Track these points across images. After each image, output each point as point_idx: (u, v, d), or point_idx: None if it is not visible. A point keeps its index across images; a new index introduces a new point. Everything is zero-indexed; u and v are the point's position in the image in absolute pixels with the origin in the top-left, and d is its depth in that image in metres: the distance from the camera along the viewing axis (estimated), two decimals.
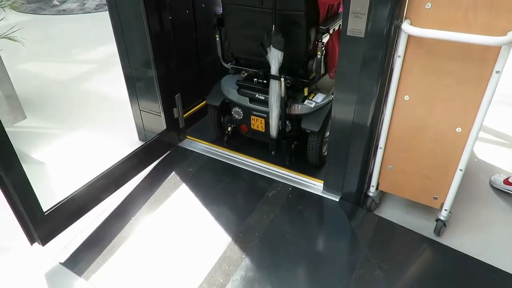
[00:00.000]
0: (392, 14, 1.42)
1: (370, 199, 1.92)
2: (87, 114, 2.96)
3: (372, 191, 1.90)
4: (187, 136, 2.46)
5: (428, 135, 1.65)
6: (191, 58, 2.50)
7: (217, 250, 1.73)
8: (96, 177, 1.95)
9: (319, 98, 2.02)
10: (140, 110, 2.48)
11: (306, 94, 2.02)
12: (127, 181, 2.14)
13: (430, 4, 1.40)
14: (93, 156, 2.44)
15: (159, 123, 2.40)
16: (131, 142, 2.54)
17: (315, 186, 2.04)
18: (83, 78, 3.65)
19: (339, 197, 1.97)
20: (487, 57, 1.39)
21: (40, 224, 1.69)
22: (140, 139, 2.61)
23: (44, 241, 1.73)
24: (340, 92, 1.70)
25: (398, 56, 1.53)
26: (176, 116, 2.36)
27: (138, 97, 2.42)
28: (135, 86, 2.39)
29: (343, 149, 1.83)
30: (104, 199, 2.00)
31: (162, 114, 2.34)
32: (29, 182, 1.59)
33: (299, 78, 1.98)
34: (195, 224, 1.87)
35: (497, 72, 1.38)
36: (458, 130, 1.57)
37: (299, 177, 2.10)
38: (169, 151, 2.37)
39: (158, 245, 1.77)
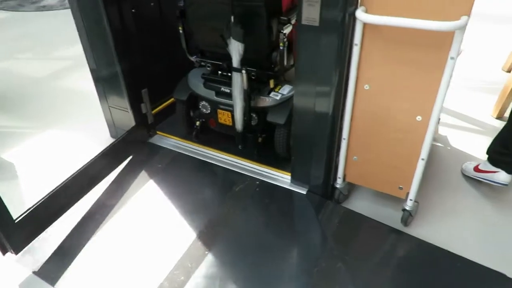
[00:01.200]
0: (345, 1, 1.38)
1: (338, 191, 1.90)
2: (61, 111, 2.91)
3: (339, 182, 1.87)
4: (158, 132, 2.42)
5: (390, 124, 1.62)
6: (159, 52, 2.45)
7: (180, 247, 1.70)
8: (67, 179, 1.92)
9: (286, 90, 1.98)
10: (109, 106, 2.44)
11: (272, 86, 1.98)
12: (99, 182, 2.10)
13: None
14: (64, 155, 2.40)
15: (128, 120, 2.36)
16: (102, 140, 2.49)
17: (283, 179, 2.01)
18: (60, 75, 3.59)
19: (307, 189, 1.94)
20: (443, 43, 1.35)
21: (12, 233, 1.64)
22: (112, 136, 2.57)
23: (16, 250, 1.69)
24: (300, 83, 1.66)
25: (355, 45, 1.49)
26: (144, 111, 2.32)
27: (106, 94, 2.37)
28: (102, 82, 2.35)
29: (307, 141, 1.80)
30: (76, 202, 1.96)
31: (130, 110, 2.30)
32: None
33: (264, 70, 1.94)
34: (161, 222, 1.84)
35: (452, 58, 1.34)
36: (419, 118, 1.54)
37: (267, 170, 2.07)
38: (139, 148, 2.33)
39: (124, 246, 1.73)
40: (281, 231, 1.78)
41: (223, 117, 2.10)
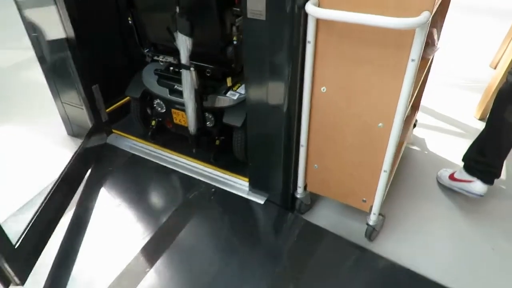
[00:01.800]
0: None
1: (299, 201, 1.74)
2: (17, 106, 2.72)
3: (299, 192, 1.71)
4: (114, 131, 2.24)
5: (350, 130, 1.45)
6: (118, 45, 2.25)
7: (120, 262, 1.54)
8: (50, 191, 1.68)
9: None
10: (62, 102, 2.26)
11: (229, 84, 1.80)
12: (77, 188, 1.90)
13: None
14: (18, 154, 2.23)
15: (83, 117, 2.18)
16: (58, 138, 2.34)
17: (241, 186, 1.84)
18: (24, 65, 3.40)
19: (266, 198, 1.78)
20: (403, 43, 1.18)
21: (14, 261, 1.37)
22: (68, 133, 2.39)
23: (23, 279, 1.43)
24: (251, 83, 1.49)
25: (308, 42, 1.31)
26: (98, 108, 2.15)
27: (58, 89, 2.20)
28: (53, 77, 2.17)
29: (263, 147, 1.63)
30: (62, 215, 1.75)
31: (84, 107, 2.13)
32: None
33: (219, 67, 1.76)
34: (101, 234, 1.68)
35: (413, 60, 1.16)
36: (380, 125, 1.37)
37: (224, 175, 1.90)
38: (94, 148, 2.15)
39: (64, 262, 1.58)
40: (233, 247, 1.62)
41: (178, 117, 1.93)
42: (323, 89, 1.40)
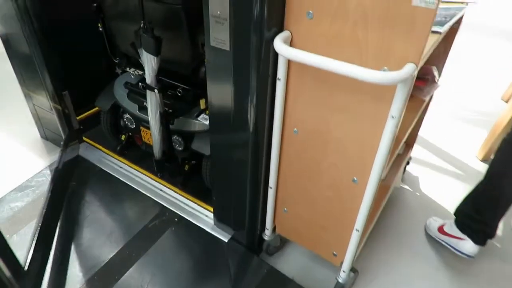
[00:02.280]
0: (260, 22, 1.02)
1: (267, 243, 1.57)
2: None
3: (267, 234, 1.54)
4: (85, 139, 2.10)
5: (322, 179, 1.27)
6: (94, 50, 2.08)
7: None
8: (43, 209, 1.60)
9: None
10: (33, 105, 2.12)
11: (203, 107, 1.63)
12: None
13: (312, 13, 0.99)
14: None
15: (54, 122, 2.04)
16: (31, 141, 2.22)
17: (206, 218, 1.68)
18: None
19: (230, 236, 1.61)
20: (382, 96, 0.99)
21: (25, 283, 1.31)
22: (41, 136, 2.27)
23: None
24: (213, 113, 1.31)
25: (278, 79, 1.13)
26: (69, 116, 2.00)
27: (29, 90, 2.06)
28: (24, 78, 2.03)
29: (228, 183, 1.46)
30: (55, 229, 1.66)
31: (55, 114, 1.99)
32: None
33: (191, 88, 1.59)
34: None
35: (393, 117, 0.98)
36: (355, 180, 1.19)
37: (191, 204, 1.74)
38: (68, 162, 2.01)
39: None
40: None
41: (147, 136, 1.77)
42: (295, 131, 1.23)
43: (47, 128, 2.20)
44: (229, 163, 1.39)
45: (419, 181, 2.00)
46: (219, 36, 1.09)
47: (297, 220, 1.45)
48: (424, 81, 1.53)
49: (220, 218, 1.62)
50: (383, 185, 1.63)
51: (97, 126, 2.16)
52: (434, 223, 1.71)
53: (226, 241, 1.60)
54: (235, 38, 1.07)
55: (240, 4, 1.01)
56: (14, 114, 2.37)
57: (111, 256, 1.54)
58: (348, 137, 1.13)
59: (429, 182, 2.00)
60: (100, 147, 2.06)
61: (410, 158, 1.97)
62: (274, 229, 1.55)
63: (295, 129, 1.23)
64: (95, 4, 1.59)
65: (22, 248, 1.41)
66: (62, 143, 1.97)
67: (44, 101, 2.00)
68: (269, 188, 1.41)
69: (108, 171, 1.91)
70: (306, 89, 1.13)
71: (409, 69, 0.88)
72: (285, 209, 1.45)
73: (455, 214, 1.61)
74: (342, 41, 0.98)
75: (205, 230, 1.64)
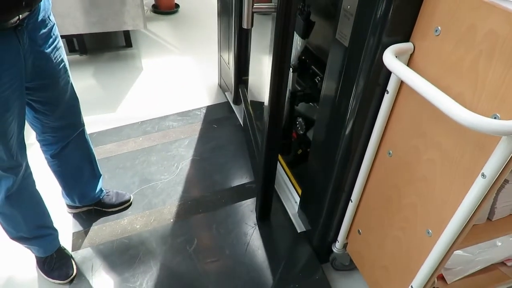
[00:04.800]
0: (381, 25, 0.95)
1: (333, 256, 1.51)
2: None
3: (337, 246, 1.48)
4: None
5: (398, 216, 1.13)
6: None
7: None
8: None
9: None
10: (220, 57, 2.51)
11: None
12: None
13: (440, 29, 0.87)
14: None
15: (229, 75, 2.39)
16: (208, 85, 2.64)
17: (296, 204, 1.71)
18: None
19: (305, 230, 1.61)
20: (484, 143, 0.81)
21: None
22: (218, 84, 2.67)
23: None
24: (322, 108, 1.30)
25: (387, 92, 1.05)
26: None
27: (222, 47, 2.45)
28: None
29: (314, 177, 1.46)
30: None
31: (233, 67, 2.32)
32: None
33: None
34: None
35: (483, 175, 0.79)
36: (429, 232, 1.01)
37: (289, 184, 1.80)
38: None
39: None
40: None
41: None
42: (389, 152, 1.12)
43: (223, 78, 2.59)
44: (320, 159, 1.38)
45: None
46: (344, 30, 1.08)
47: (366, 247, 1.34)
48: None
49: (303, 209, 1.63)
50: None
51: None
52: None
53: (299, 231, 1.61)
54: (354, 35, 1.04)
55: (367, 2, 0.96)
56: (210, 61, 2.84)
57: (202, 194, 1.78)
58: (435, 181, 0.96)
59: None
60: None
61: None
62: (345, 245, 1.47)
63: (390, 150, 1.12)
64: None
65: None
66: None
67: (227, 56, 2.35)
68: (350, 201, 1.33)
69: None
70: (411, 110, 1.01)
71: None
72: (359, 230, 1.35)
73: None
74: (460, 70, 0.83)
75: (287, 212, 1.69)
